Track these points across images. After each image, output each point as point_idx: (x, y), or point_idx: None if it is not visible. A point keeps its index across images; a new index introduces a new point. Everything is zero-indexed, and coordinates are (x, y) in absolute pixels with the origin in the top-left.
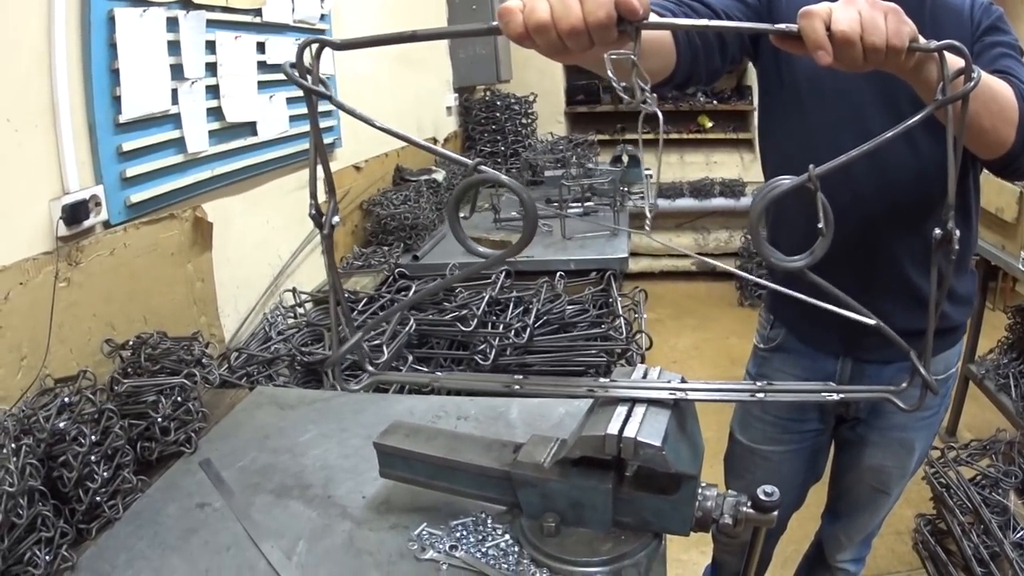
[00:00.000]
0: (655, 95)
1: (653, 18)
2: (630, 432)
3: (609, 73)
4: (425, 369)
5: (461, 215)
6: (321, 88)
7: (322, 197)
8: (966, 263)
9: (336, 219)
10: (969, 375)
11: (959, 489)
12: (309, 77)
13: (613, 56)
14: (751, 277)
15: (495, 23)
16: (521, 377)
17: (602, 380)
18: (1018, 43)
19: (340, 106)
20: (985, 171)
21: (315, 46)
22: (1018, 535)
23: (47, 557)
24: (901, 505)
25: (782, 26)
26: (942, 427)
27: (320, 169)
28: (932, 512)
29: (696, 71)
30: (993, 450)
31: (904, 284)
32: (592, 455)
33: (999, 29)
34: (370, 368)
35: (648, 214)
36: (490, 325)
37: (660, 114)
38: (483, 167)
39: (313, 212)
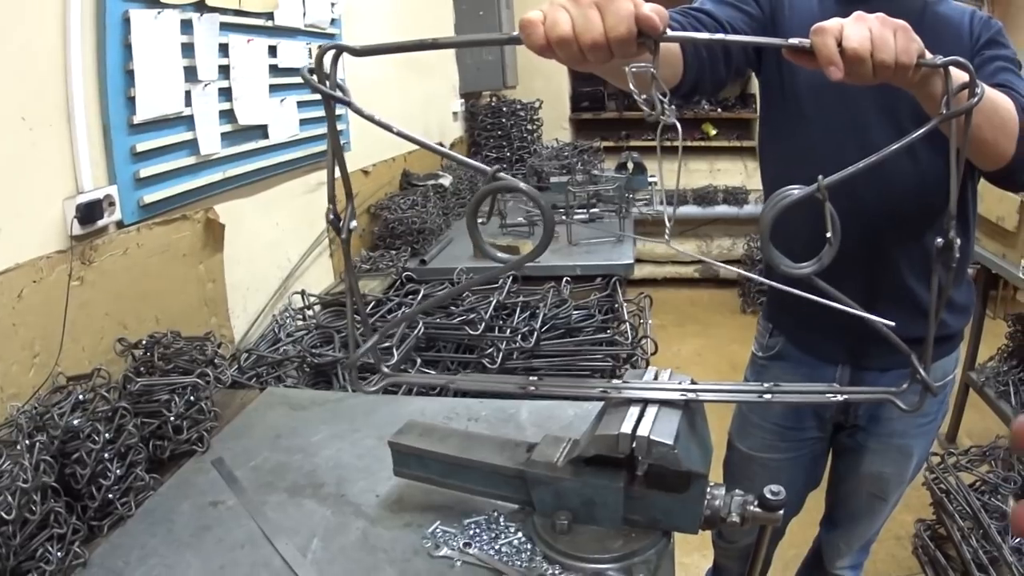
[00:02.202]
0: (674, 106)
1: (668, 32)
2: (643, 431)
3: (631, 85)
4: (432, 372)
5: (479, 220)
6: (339, 94)
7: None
8: (963, 272)
9: (354, 223)
10: (969, 382)
11: (959, 494)
12: (327, 83)
13: (634, 69)
14: (758, 278)
15: (516, 33)
16: (536, 378)
17: (615, 381)
18: (1017, 57)
19: (359, 112)
20: (985, 181)
21: (332, 52)
22: (1017, 540)
23: (59, 553)
24: (901, 510)
25: (795, 41)
26: (942, 433)
27: (337, 173)
28: (932, 517)
29: (702, 82)
30: (992, 456)
31: (904, 292)
32: (606, 454)
33: (998, 43)
34: (385, 369)
35: (668, 222)
36: (497, 329)
37: (679, 125)
38: (502, 174)
39: (331, 217)
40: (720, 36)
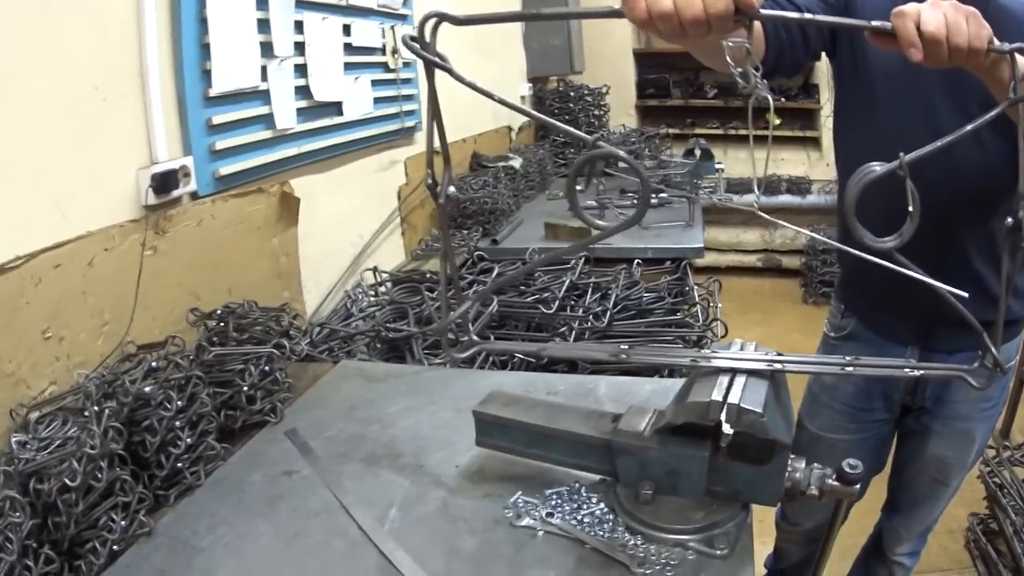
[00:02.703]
0: (766, 81)
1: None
2: (733, 399)
3: (727, 58)
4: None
5: (578, 188)
6: (440, 61)
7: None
8: None
9: (451, 189)
10: None
11: (1012, 489)
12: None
13: (731, 43)
14: (835, 243)
15: (619, 7)
16: (627, 347)
17: (704, 351)
18: None
19: (459, 78)
20: None
21: (433, 20)
22: None
23: (123, 522)
24: (955, 504)
25: (877, 23)
26: (996, 428)
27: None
28: (985, 511)
29: (782, 63)
30: None
31: (971, 276)
32: (696, 421)
33: None
34: (475, 337)
35: (757, 195)
36: (569, 309)
37: (771, 98)
38: (602, 143)
39: (429, 182)
40: (810, 16)
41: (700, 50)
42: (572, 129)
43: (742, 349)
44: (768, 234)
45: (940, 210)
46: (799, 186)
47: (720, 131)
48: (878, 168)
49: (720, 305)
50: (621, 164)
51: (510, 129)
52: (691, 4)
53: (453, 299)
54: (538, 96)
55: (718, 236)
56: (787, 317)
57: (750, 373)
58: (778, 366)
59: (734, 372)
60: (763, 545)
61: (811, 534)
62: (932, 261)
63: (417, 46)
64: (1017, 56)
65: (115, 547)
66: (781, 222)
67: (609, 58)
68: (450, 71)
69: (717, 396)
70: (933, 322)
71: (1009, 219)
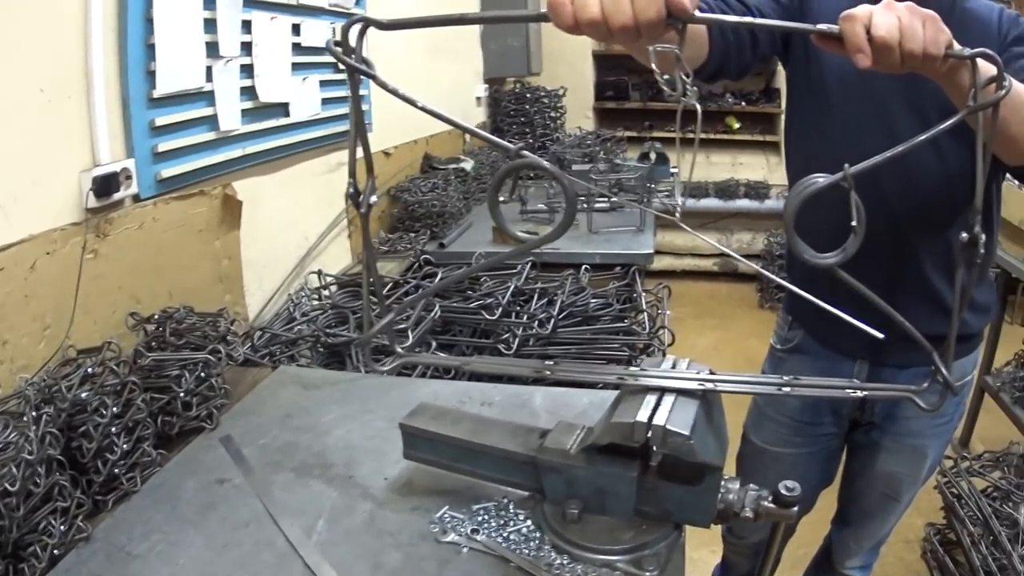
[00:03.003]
0: (696, 88)
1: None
2: (659, 420)
3: (653, 66)
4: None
5: (501, 199)
6: (364, 67)
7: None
8: (986, 271)
9: (374, 198)
10: (985, 387)
11: (970, 500)
12: (352, 56)
13: (658, 49)
14: (774, 277)
15: (544, 11)
16: (552, 363)
17: (632, 368)
18: None
19: (383, 85)
20: (1008, 183)
21: (359, 25)
22: None
23: (62, 527)
24: (911, 514)
25: (824, 27)
26: (955, 437)
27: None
28: (942, 522)
29: (726, 65)
30: (1006, 463)
31: (926, 289)
32: (620, 442)
33: None
34: (399, 350)
35: (679, 200)
36: (514, 315)
37: (699, 107)
38: (525, 152)
39: (351, 191)
40: (748, 20)
41: (634, 51)
42: (493, 137)
43: (674, 366)
44: (725, 238)
45: (895, 220)
46: (757, 191)
47: (680, 134)
48: (821, 180)
49: (669, 312)
50: (576, 168)
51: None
52: (620, 11)
53: (381, 310)
54: (494, 97)
55: (674, 240)
56: (743, 322)
57: (680, 392)
58: (710, 385)
59: (663, 391)
60: (713, 554)
61: (757, 547)
62: (886, 273)
63: (339, 51)
64: (978, 62)
65: (56, 551)
66: (699, 234)
67: (568, 59)
68: (374, 77)
69: (642, 417)
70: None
71: (964, 234)
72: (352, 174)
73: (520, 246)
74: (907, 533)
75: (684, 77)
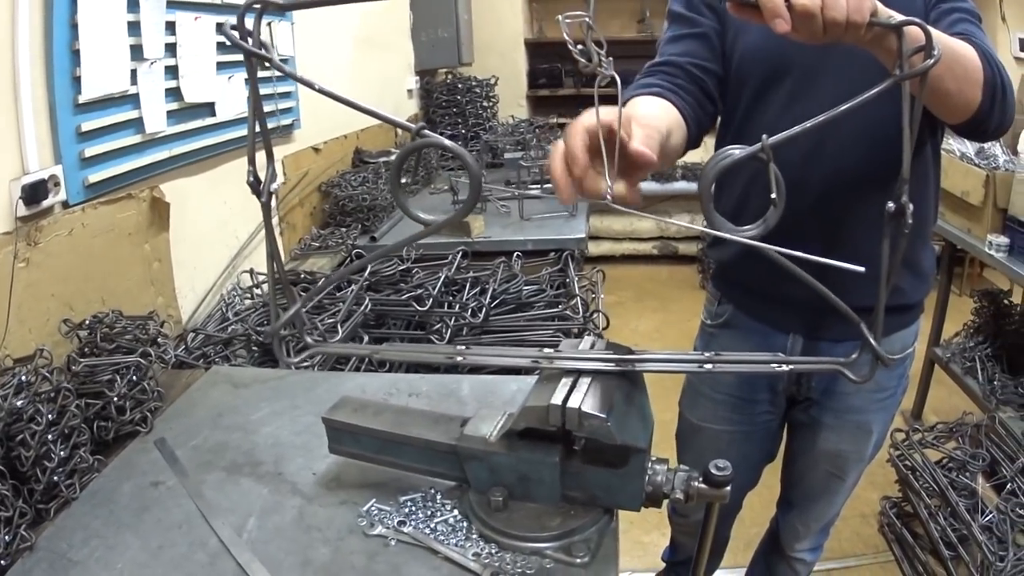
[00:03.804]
0: (611, 59)
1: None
2: (574, 403)
3: (564, 35)
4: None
5: (403, 181)
6: (262, 52)
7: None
8: (926, 235)
9: (275, 185)
10: (935, 358)
11: (925, 471)
12: (249, 40)
13: (568, 19)
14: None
15: None
16: (464, 348)
17: (547, 351)
18: (975, 9)
19: (280, 69)
20: (948, 153)
21: (257, 7)
22: (987, 518)
23: (6, 537)
24: (865, 488)
25: None
26: (907, 410)
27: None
28: (898, 495)
29: (703, 125)
30: (959, 433)
31: (862, 258)
32: (537, 427)
33: None
34: (308, 340)
35: (609, 184)
36: (446, 305)
37: (618, 78)
38: (427, 131)
39: (251, 179)
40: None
41: None
42: (395, 119)
43: (592, 347)
44: (663, 223)
45: (825, 188)
46: (695, 172)
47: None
48: (736, 152)
49: (603, 296)
50: (510, 156)
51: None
52: None
53: (289, 298)
54: (426, 89)
55: (612, 225)
56: (685, 302)
57: (597, 374)
58: (628, 365)
59: (579, 373)
60: (663, 537)
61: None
62: (820, 243)
63: (236, 35)
64: (906, 29)
65: (2, 562)
66: (635, 211)
67: (500, 49)
68: (270, 60)
69: (556, 400)
70: (816, 309)
71: (891, 204)
72: (252, 161)
73: (422, 231)
74: (863, 507)
75: (597, 47)
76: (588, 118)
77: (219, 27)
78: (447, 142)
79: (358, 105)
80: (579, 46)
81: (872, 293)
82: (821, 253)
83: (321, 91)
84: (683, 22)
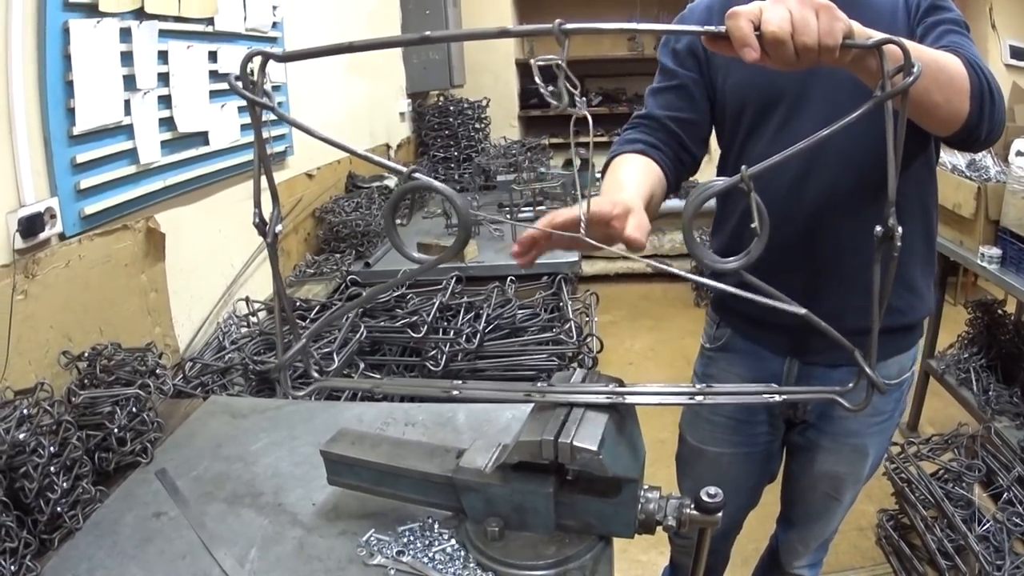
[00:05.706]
0: (584, 99)
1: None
2: (566, 437)
3: (536, 79)
4: (377, 376)
5: (398, 221)
6: (265, 100)
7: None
8: (931, 257)
9: (279, 227)
10: (929, 370)
11: (920, 484)
12: (253, 89)
13: (540, 63)
14: (695, 278)
15: (427, 32)
16: (460, 382)
17: (540, 385)
18: (962, 18)
19: (282, 117)
20: (939, 167)
21: (259, 58)
22: (983, 528)
23: (12, 568)
24: (863, 501)
25: (711, 28)
26: (903, 423)
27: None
28: (894, 507)
29: (680, 177)
30: (955, 444)
31: (853, 282)
32: (530, 460)
33: (939, 7)
34: (315, 374)
35: (583, 216)
36: (441, 331)
37: (590, 117)
38: (418, 174)
39: (256, 221)
40: (632, 25)
41: None
42: (387, 162)
43: (584, 380)
44: (657, 239)
45: (814, 213)
46: (688, 190)
47: (605, 139)
48: (719, 183)
49: (596, 319)
50: (503, 178)
51: (388, 147)
52: None
53: (295, 335)
54: (418, 112)
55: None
56: (679, 320)
57: (589, 407)
58: (619, 398)
59: (571, 406)
60: (662, 556)
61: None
62: (810, 268)
63: (239, 85)
64: (885, 48)
65: None
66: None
67: (492, 70)
68: (273, 109)
69: (549, 434)
70: (810, 334)
71: (879, 228)
72: (257, 204)
73: (417, 268)
74: (860, 520)
75: (570, 88)
76: (563, 213)
77: (210, 55)
78: (438, 184)
79: (357, 152)
80: (550, 88)
81: (867, 315)
82: (813, 279)
83: (322, 138)
84: (665, 75)
